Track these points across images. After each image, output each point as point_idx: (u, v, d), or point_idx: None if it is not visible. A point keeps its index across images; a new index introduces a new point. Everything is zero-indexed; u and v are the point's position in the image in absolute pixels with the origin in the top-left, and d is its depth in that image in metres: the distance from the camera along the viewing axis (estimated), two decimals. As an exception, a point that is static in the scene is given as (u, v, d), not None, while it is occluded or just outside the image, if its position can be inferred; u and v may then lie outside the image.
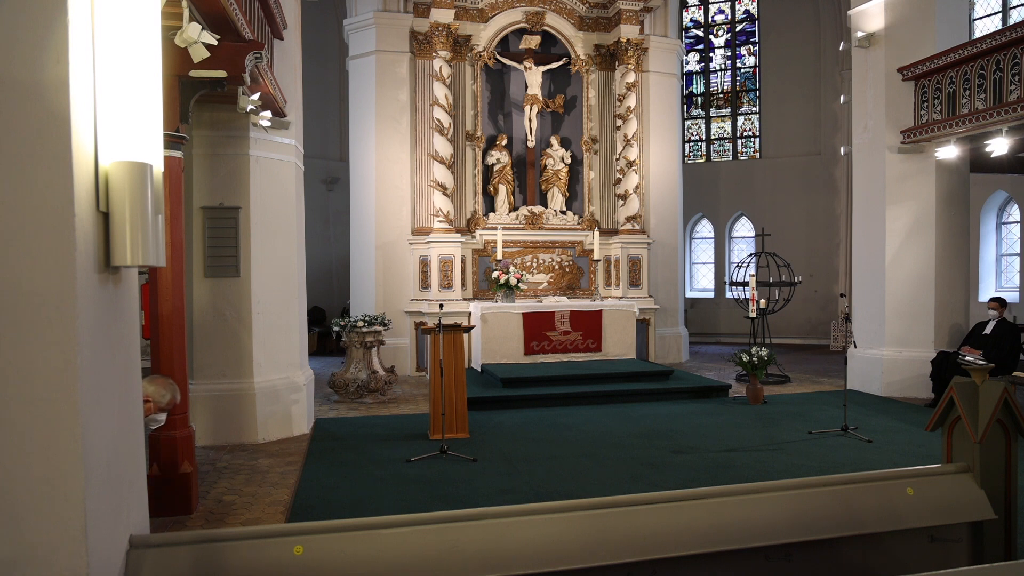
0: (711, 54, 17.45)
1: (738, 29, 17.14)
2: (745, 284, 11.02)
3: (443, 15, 11.07)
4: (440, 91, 11.11)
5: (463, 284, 11.31)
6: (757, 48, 16.85)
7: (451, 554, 2.83)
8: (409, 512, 3.26)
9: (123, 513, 2.66)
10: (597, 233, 11.50)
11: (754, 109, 16.91)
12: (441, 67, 11.12)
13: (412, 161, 11.65)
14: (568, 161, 12.15)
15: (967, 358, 8.11)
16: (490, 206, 11.96)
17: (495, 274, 10.83)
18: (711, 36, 17.45)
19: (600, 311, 10.64)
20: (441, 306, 8.11)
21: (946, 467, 3.64)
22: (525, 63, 11.92)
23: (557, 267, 11.90)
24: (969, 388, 3.59)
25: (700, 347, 15.17)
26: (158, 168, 2.64)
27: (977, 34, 12.35)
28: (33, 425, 2.14)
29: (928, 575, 2.41)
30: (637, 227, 12.01)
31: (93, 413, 2.31)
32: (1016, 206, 13.07)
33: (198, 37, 4.28)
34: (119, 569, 2.55)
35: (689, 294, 16.68)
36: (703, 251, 17.36)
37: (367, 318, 9.22)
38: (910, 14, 9.38)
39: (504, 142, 11.96)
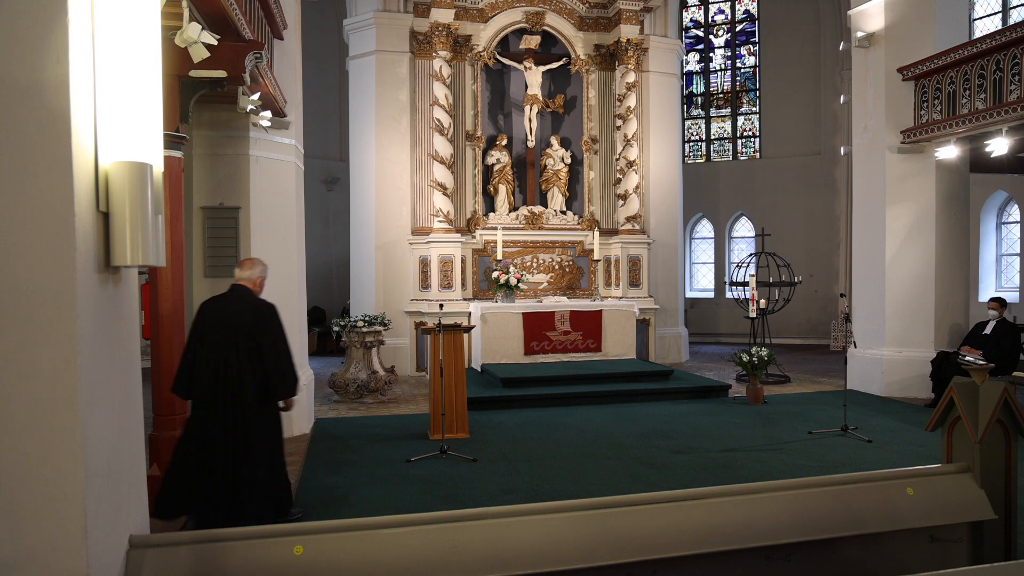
0: (711, 54, 17.44)
1: (738, 29, 17.13)
2: (745, 284, 11.02)
3: (443, 15, 11.07)
4: (440, 91, 11.10)
5: (463, 284, 11.30)
6: (757, 48, 16.84)
7: (451, 554, 2.83)
8: (409, 512, 3.26)
9: (123, 513, 2.65)
10: (597, 233, 11.49)
11: (754, 109, 16.91)
12: (441, 67, 11.11)
13: (412, 161, 11.65)
14: (568, 161, 12.14)
15: (967, 358, 8.10)
16: (490, 206, 11.96)
17: (495, 274, 10.82)
18: (711, 36, 17.44)
19: (600, 311, 10.63)
20: (441, 306, 8.11)
21: (946, 467, 3.64)
22: (525, 63, 11.92)
23: (557, 267, 11.89)
24: (969, 388, 3.59)
25: (700, 347, 15.17)
26: (158, 168, 2.64)
27: (977, 34, 12.34)
28: (33, 425, 2.14)
29: (928, 575, 2.41)
30: (637, 227, 12.00)
31: (93, 413, 2.31)
32: (1016, 206, 13.06)
33: (198, 37, 4.28)
34: (119, 569, 2.55)
35: (689, 294, 16.67)
36: (703, 251, 17.35)
37: (367, 318, 9.21)
38: (910, 14, 9.38)
39: (504, 142, 11.96)
